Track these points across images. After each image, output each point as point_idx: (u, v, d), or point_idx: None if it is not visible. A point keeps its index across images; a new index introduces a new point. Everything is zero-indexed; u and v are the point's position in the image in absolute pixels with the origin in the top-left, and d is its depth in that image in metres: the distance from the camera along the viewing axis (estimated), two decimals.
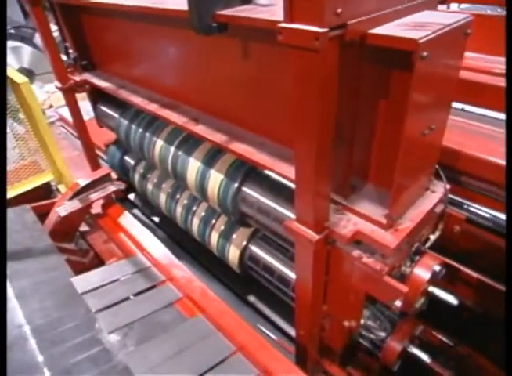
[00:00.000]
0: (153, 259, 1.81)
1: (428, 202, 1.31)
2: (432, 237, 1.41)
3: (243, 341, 1.33)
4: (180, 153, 1.94)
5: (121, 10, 1.78)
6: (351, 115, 1.15)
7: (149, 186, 2.37)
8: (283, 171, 1.43)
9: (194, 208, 2.14)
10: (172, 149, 1.97)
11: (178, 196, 2.21)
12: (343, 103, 1.06)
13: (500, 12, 2.96)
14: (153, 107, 1.90)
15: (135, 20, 1.89)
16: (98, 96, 2.59)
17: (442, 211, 1.37)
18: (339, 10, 0.85)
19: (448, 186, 1.35)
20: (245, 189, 1.73)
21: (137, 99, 2.01)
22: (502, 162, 1.41)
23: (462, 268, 1.68)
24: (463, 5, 3.91)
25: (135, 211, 2.82)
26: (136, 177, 2.49)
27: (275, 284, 1.87)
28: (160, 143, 2.03)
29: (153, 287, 1.66)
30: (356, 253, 1.27)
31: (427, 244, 1.39)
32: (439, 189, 1.36)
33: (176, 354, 1.31)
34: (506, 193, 0.98)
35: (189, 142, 1.93)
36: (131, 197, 2.92)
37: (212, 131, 1.67)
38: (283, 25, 0.90)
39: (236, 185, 1.73)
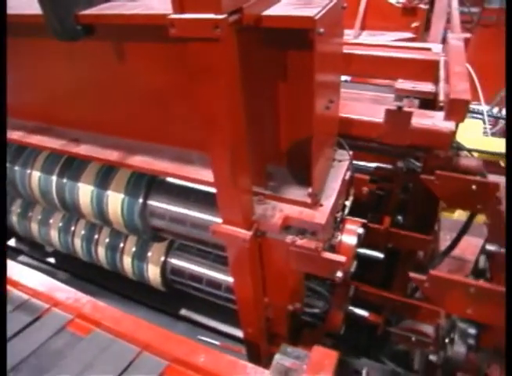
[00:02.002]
0: (30, 291, 1.58)
1: (339, 172, 1.37)
2: (348, 203, 1.48)
3: (146, 340, 1.28)
4: (65, 180, 1.69)
5: None
6: (258, 103, 1.12)
7: (34, 226, 2.03)
8: (192, 175, 1.35)
9: (95, 237, 1.91)
10: (54, 178, 1.70)
11: (72, 228, 1.94)
12: (248, 92, 1.02)
13: None
14: (17, 135, 1.60)
15: None
16: None
17: (351, 177, 1.45)
18: None
19: (351, 153, 1.43)
20: (151, 202, 1.60)
21: None
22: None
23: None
24: None
25: (22, 257, 2.41)
26: (14, 219, 2.11)
27: (206, 290, 1.79)
28: (36, 175, 1.73)
29: (37, 319, 1.46)
30: (289, 238, 1.26)
31: (346, 211, 1.46)
32: (344, 157, 1.43)
33: (80, 375, 1.20)
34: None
35: (73, 167, 1.69)
36: (12, 242, 2.48)
37: (100, 149, 1.49)
38: (175, 16, 0.81)
39: (140, 200, 1.58)
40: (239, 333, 1.88)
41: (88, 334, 1.38)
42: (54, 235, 1.99)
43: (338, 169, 1.37)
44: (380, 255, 1.45)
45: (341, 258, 1.22)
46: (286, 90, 1.12)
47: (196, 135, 1.39)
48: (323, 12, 0.91)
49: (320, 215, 1.20)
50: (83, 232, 1.94)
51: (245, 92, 0.99)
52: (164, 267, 1.81)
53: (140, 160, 1.40)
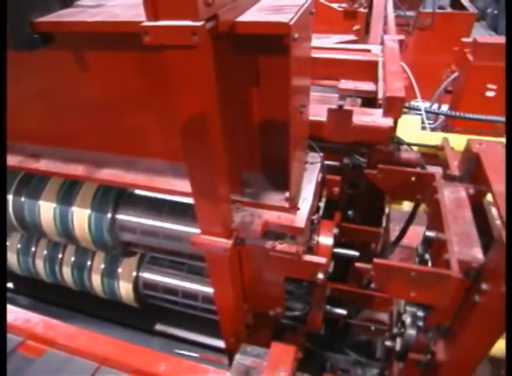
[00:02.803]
0: None
1: (313, 174, 1.38)
2: (321, 205, 1.50)
3: (104, 354, 1.27)
4: (23, 199, 1.58)
5: None
6: (231, 109, 1.10)
7: None
8: (165, 186, 1.32)
9: (59, 256, 1.80)
10: (10, 196, 1.59)
11: (33, 249, 1.82)
12: (221, 99, 1.00)
13: None
14: None
15: None
16: None
17: (323, 179, 1.47)
18: (210, 0, 0.77)
19: (321, 154, 1.45)
20: (121, 216, 1.53)
21: None
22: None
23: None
24: None
25: None
26: None
27: (183, 303, 1.75)
28: None
29: None
30: (269, 244, 1.25)
31: (320, 212, 1.48)
32: (316, 159, 1.44)
33: None
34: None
35: (32, 184, 1.59)
36: None
37: (63, 164, 1.41)
38: (150, 24, 0.78)
39: (108, 215, 1.51)
40: (217, 343, 1.85)
41: (41, 355, 1.33)
42: (12, 258, 1.85)
43: (311, 172, 1.39)
44: (356, 254, 1.48)
45: (322, 260, 1.23)
46: (258, 96, 1.11)
47: (167, 144, 1.36)
48: (296, 17, 0.91)
49: (299, 219, 1.20)
50: (45, 252, 1.83)
51: (219, 99, 0.97)
52: (136, 282, 1.75)
53: (109, 174, 1.34)
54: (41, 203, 1.57)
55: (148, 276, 1.76)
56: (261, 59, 1.02)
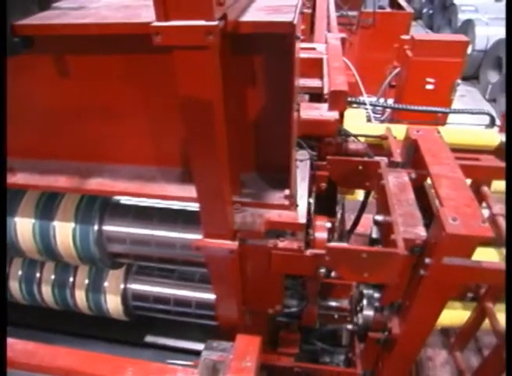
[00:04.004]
0: None
1: (304, 171, 1.41)
2: (312, 201, 1.52)
3: (67, 367, 1.24)
4: None
5: None
6: (229, 110, 1.10)
7: None
8: (157, 192, 1.29)
9: (37, 275, 1.69)
10: None
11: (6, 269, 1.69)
12: (226, 100, 0.99)
13: None
14: None
15: None
16: None
17: (313, 175, 1.50)
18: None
19: (310, 151, 1.47)
20: (108, 227, 1.47)
21: None
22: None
23: None
24: None
25: None
26: None
27: (175, 311, 1.70)
28: None
29: None
30: (270, 242, 1.26)
31: (312, 208, 1.50)
32: (305, 156, 1.47)
33: None
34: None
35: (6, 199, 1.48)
36: None
37: (42, 177, 1.33)
38: (162, 24, 0.75)
39: (95, 227, 1.44)
40: None
41: None
42: None
43: (303, 168, 1.41)
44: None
45: (323, 251, 1.25)
46: (254, 95, 1.12)
47: (155, 149, 1.33)
48: (297, 17, 0.92)
49: (300, 215, 1.22)
50: (19, 272, 1.71)
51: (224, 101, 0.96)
52: (124, 295, 1.68)
53: (97, 183, 1.29)
54: (18, 219, 1.47)
55: (137, 287, 1.69)
56: (258, 58, 1.02)
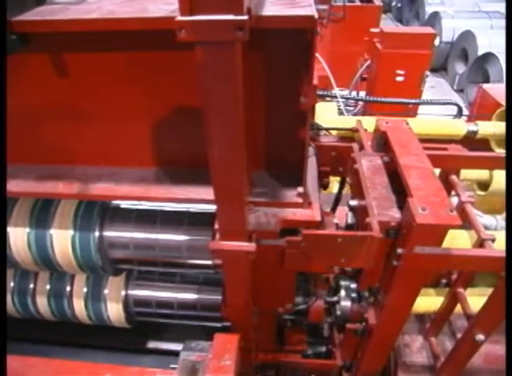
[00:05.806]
0: None
1: (313, 167, 1.39)
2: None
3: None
4: None
5: None
6: (251, 108, 1.06)
7: None
8: (164, 195, 1.24)
9: (31, 286, 1.61)
10: None
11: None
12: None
13: None
14: None
15: None
16: None
17: (319, 169, 1.48)
18: None
19: (315, 147, 1.45)
20: (110, 233, 1.40)
21: None
22: None
23: None
24: None
25: None
26: None
27: (179, 315, 1.66)
28: None
29: None
30: (282, 241, 1.23)
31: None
32: (311, 153, 1.44)
33: None
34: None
35: None
36: None
37: (38, 183, 1.25)
38: (187, 18, 0.71)
39: (96, 233, 1.38)
40: None
41: None
42: None
43: (311, 165, 1.39)
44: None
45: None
46: (266, 91, 1.08)
47: (157, 150, 1.28)
48: (316, 12, 0.90)
49: (314, 213, 1.20)
50: (12, 284, 1.62)
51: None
52: (126, 301, 1.62)
53: (100, 188, 1.22)
54: (11, 229, 1.38)
55: (138, 292, 1.64)
56: (273, 53, 0.99)
